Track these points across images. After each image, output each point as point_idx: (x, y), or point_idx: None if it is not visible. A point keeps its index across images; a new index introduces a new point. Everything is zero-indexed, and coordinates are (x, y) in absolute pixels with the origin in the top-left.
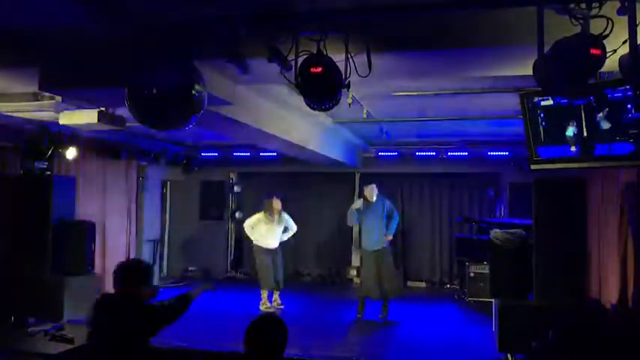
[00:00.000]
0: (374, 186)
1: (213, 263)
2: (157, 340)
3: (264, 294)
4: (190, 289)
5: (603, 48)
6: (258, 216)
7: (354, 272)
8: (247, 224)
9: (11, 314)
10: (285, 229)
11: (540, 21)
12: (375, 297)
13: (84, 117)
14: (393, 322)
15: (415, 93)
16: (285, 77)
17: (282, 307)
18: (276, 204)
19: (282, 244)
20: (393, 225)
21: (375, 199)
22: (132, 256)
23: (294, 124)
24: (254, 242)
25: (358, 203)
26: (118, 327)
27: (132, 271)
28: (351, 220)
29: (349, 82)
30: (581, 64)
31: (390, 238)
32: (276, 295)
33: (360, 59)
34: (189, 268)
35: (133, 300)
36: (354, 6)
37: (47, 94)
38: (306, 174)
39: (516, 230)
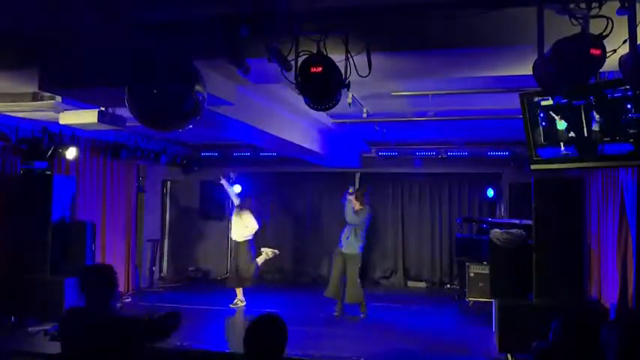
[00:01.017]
0: (352, 198)
1: (213, 263)
2: None
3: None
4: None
5: (603, 48)
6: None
7: None
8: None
9: (11, 314)
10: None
11: (540, 21)
12: (332, 295)
13: (84, 117)
14: (393, 323)
15: (415, 93)
16: (285, 77)
17: (238, 304)
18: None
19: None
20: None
21: (361, 207)
22: (132, 256)
23: (294, 124)
24: None
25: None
26: (92, 347)
27: (97, 278)
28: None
29: (349, 82)
30: (581, 64)
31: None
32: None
33: (360, 59)
34: (189, 268)
35: (106, 316)
36: (354, 6)
37: (47, 94)
38: (306, 174)
39: (516, 230)
